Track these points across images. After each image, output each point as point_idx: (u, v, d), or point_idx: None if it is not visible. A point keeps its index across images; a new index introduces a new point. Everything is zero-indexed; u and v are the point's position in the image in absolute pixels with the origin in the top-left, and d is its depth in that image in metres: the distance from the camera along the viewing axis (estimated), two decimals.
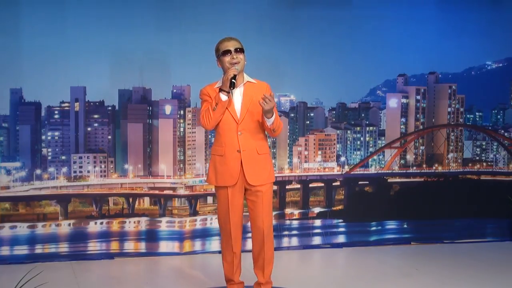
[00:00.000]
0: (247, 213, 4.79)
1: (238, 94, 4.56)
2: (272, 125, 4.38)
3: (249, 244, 4.97)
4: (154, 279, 5.82)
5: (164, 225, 8.07)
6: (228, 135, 4.57)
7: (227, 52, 4.49)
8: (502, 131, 9.36)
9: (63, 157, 8.16)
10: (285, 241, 8.05)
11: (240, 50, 4.51)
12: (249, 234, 4.86)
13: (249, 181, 4.54)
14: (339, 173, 8.92)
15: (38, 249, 7.62)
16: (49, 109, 8.18)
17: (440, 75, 9.32)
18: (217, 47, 4.63)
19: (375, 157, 9.20)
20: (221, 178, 4.64)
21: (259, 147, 4.56)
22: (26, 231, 7.72)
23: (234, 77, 4.41)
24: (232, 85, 4.38)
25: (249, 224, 4.78)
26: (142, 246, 7.93)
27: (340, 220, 8.60)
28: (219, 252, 7.25)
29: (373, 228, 8.49)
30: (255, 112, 4.49)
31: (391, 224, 8.55)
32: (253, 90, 4.53)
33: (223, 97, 4.40)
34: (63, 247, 7.64)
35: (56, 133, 8.18)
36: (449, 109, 9.28)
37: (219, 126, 4.62)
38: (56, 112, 8.22)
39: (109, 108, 8.35)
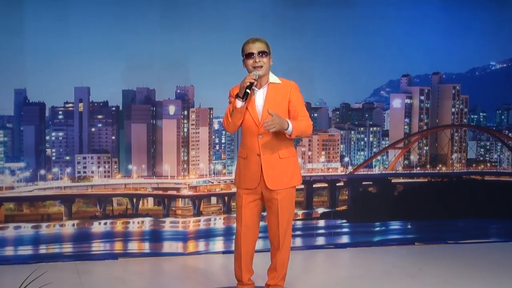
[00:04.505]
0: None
1: (260, 96, 4.42)
2: (291, 135, 4.22)
3: (263, 244, 4.94)
4: (158, 280, 5.82)
5: (168, 225, 8.08)
6: (249, 138, 4.46)
7: (251, 55, 4.35)
8: (506, 131, 9.35)
9: (67, 158, 8.18)
10: None
11: (264, 54, 4.34)
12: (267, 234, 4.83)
13: (268, 186, 4.45)
14: (343, 173, 8.92)
15: (42, 249, 7.64)
16: (53, 109, 8.21)
17: (444, 76, 9.32)
18: (242, 48, 4.44)
19: (378, 157, 9.20)
20: (243, 181, 4.57)
21: (281, 151, 4.42)
22: (30, 231, 7.74)
23: (251, 85, 4.24)
24: (246, 95, 4.23)
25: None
26: (146, 247, 7.94)
27: (344, 221, 8.59)
28: (223, 252, 7.25)
29: (377, 229, 8.48)
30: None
31: (395, 225, 8.54)
32: (277, 92, 4.36)
33: (239, 103, 4.27)
34: (67, 248, 7.65)
35: (60, 134, 8.20)
36: (453, 110, 9.28)
37: (242, 128, 4.51)
38: (60, 112, 8.25)
39: (113, 108, 8.37)
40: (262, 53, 4.41)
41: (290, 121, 4.29)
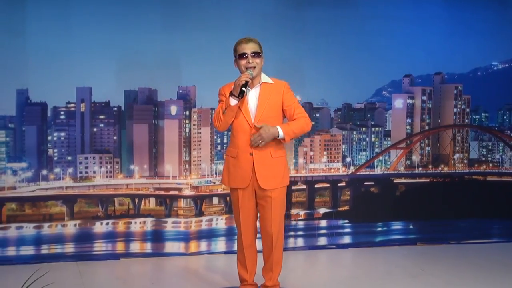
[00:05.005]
0: None
1: (253, 95, 4.44)
2: (285, 141, 4.29)
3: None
4: (160, 280, 5.82)
5: (169, 225, 8.08)
6: (241, 137, 4.47)
7: (243, 55, 4.36)
8: (508, 131, 9.34)
9: (69, 158, 8.18)
10: (291, 242, 8.05)
11: (257, 54, 4.36)
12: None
13: (261, 185, 4.46)
14: (345, 173, 8.91)
15: (44, 249, 7.64)
16: (55, 109, 8.21)
17: (446, 76, 9.31)
18: (235, 48, 4.45)
19: (380, 157, 9.19)
20: (233, 180, 4.57)
21: (273, 150, 4.45)
22: (32, 232, 7.74)
23: (246, 84, 4.25)
24: (242, 94, 4.25)
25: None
26: (148, 247, 7.94)
27: (346, 221, 8.59)
28: (225, 252, 7.26)
29: (379, 229, 8.48)
30: (270, 115, 4.34)
31: (397, 225, 8.54)
32: (269, 91, 4.39)
33: (233, 101, 4.29)
34: (69, 248, 7.65)
35: (62, 134, 8.20)
36: (455, 110, 9.27)
37: (233, 128, 4.52)
38: (62, 112, 8.25)
39: (115, 108, 8.38)
40: (255, 54, 4.42)
41: (281, 128, 4.35)
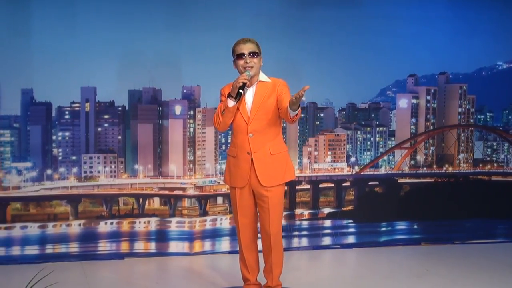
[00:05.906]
0: None
1: (250, 94, 4.46)
2: (296, 116, 4.24)
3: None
4: (164, 280, 5.83)
5: (174, 225, 8.09)
6: (239, 136, 4.50)
7: (241, 55, 4.38)
8: None
9: (74, 157, 8.19)
10: (295, 242, 8.05)
11: (254, 54, 4.38)
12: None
13: (262, 183, 4.47)
14: (349, 173, 8.91)
15: (49, 249, 7.65)
16: (59, 109, 8.22)
17: (450, 76, 9.29)
18: (233, 48, 4.47)
19: (385, 157, 9.18)
20: (233, 179, 4.60)
21: (272, 147, 4.47)
22: (36, 231, 7.75)
23: (243, 85, 4.27)
24: (239, 96, 4.27)
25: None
26: (152, 246, 7.94)
27: (350, 221, 8.58)
28: (229, 252, 7.26)
29: (383, 229, 8.47)
30: (266, 112, 4.37)
31: (401, 225, 8.53)
32: (265, 90, 4.42)
33: (230, 103, 4.31)
34: (74, 247, 7.67)
35: (67, 134, 8.22)
36: (459, 110, 9.25)
37: (233, 127, 4.55)
38: (67, 112, 8.26)
39: (119, 108, 8.38)
40: (252, 54, 4.44)
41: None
